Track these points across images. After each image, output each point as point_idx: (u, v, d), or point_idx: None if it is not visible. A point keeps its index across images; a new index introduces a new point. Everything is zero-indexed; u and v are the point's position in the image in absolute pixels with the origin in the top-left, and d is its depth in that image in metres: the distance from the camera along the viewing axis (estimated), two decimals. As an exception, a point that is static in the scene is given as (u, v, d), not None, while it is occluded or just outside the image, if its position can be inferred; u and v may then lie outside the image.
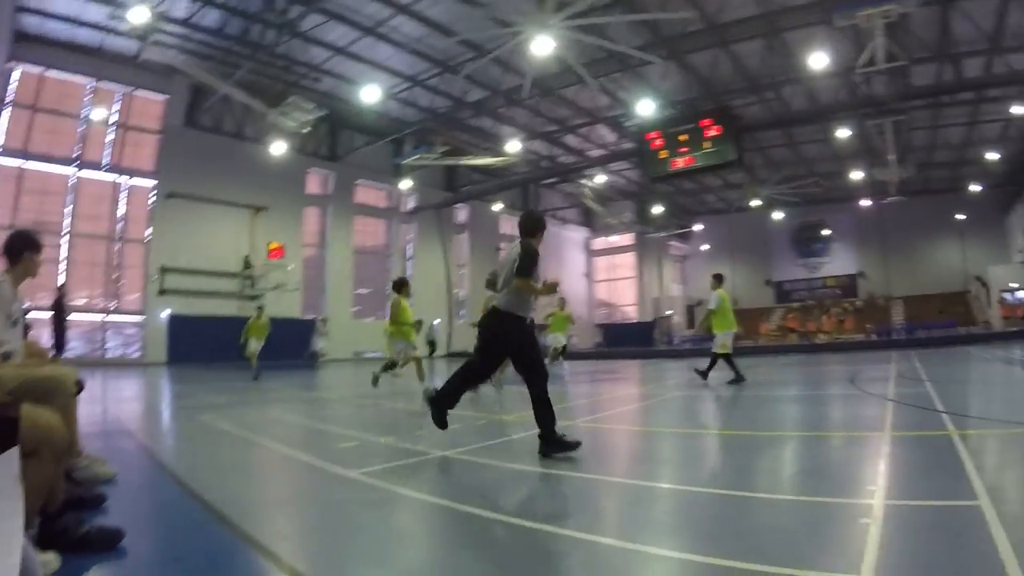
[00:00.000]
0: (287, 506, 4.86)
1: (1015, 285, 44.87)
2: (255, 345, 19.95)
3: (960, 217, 49.86)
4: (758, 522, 3.96)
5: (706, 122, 28.26)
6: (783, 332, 47.29)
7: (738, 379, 13.22)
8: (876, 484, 4.64)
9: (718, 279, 14.24)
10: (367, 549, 3.60)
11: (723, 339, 13.91)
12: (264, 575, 3.29)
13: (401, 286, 13.91)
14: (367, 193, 42.09)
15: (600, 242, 62.20)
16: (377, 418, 10.44)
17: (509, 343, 6.50)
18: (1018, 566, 2.90)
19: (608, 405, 11.71)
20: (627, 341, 48.26)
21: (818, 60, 25.97)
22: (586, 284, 61.08)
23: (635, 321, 57.36)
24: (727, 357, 13.83)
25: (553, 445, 6.09)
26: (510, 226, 51.68)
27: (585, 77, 23.78)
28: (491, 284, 6.77)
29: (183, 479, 5.38)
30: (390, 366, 14.51)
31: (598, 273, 62.97)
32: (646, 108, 29.84)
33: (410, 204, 43.82)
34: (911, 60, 25.97)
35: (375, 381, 13.97)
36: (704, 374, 13.98)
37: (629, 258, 60.24)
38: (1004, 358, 18.33)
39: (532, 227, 6.72)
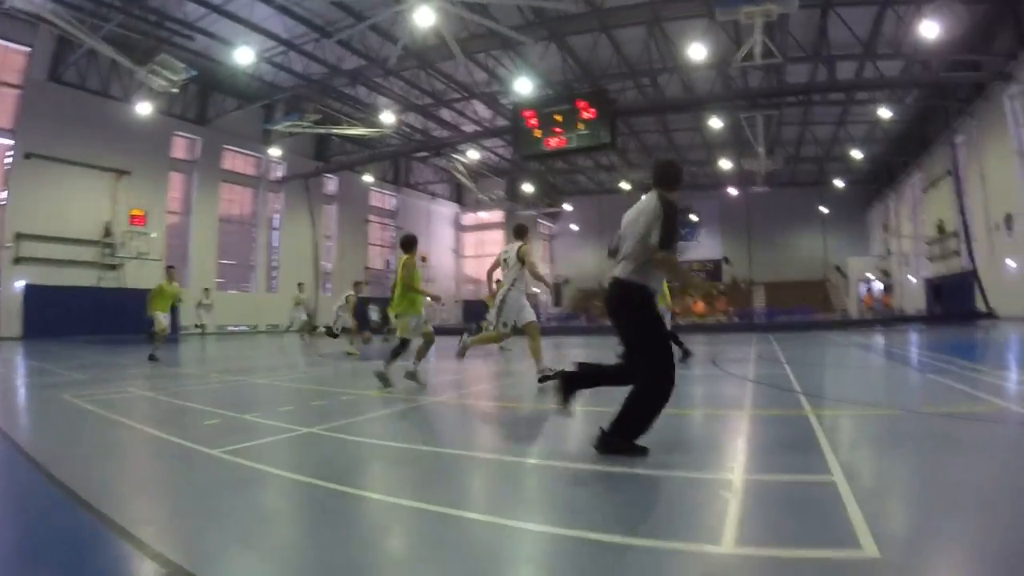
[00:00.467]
0: (151, 488, 4.65)
1: (871, 276, 47.44)
2: (165, 320, 17.33)
3: (823, 210, 52.21)
4: (622, 496, 4.05)
5: (582, 104, 28.17)
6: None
7: (685, 355, 13.35)
8: (736, 460, 4.86)
9: None
10: (233, 530, 3.50)
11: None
12: (129, 562, 3.12)
13: (411, 244, 10.78)
14: (235, 160, 40.38)
15: (470, 218, 62.44)
16: (242, 394, 10.10)
17: (634, 319, 5.04)
18: (870, 536, 3.09)
19: (475, 381, 11.67)
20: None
21: (697, 51, 26.48)
22: (454, 260, 61.23)
23: (502, 299, 57.30)
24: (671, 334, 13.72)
25: (618, 445, 4.92)
26: (380, 198, 51.40)
27: (457, 54, 23.58)
28: (615, 252, 5.40)
29: (41, 462, 5.07)
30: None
31: (467, 249, 63.03)
32: (523, 87, 29.86)
33: (279, 173, 42.57)
34: (787, 59, 26.90)
35: (413, 376, 10.31)
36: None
37: (498, 235, 60.19)
38: (859, 344, 19.21)
39: (673, 179, 5.40)
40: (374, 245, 51.62)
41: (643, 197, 5.24)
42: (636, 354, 4.99)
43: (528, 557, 3.14)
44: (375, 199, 50.85)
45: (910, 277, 44.90)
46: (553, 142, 28.65)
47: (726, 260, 56.87)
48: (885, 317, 37.35)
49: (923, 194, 43.79)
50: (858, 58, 30.40)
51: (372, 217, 50.95)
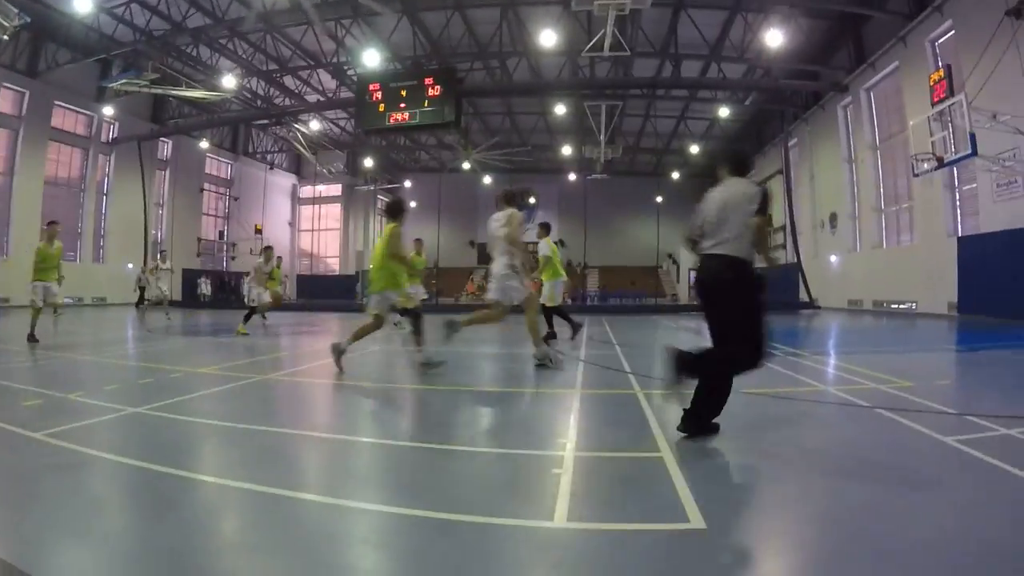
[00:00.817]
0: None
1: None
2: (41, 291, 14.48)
3: (659, 199, 53.81)
4: (457, 474, 4.12)
5: (429, 81, 28.04)
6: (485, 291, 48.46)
7: (575, 328, 13.54)
8: (568, 437, 4.98)
9: (545, 228, 13.90)
10: (59, 518, 3.25)
11: (550, 290, 13.39)
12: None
13: (399, 211, 9.55)
14: (66, 118, 36.76)
15: (308, 190, 59.98)
16: (65, 372, 9.31)
17: (746, 292, 5.06)
18: (697, 509, 3.27)
19: (307, 358, 11.41)
20: (328, 294, 46.58)
21: (548, 38, 26.76)
22: (291, 233, 58.87)
23: (337, 274, 56.29)
24: (557, 310, 13.62)
25: (701, 427, 5.02)
26: (216, 166, 48.76)
27: (313, 18, 23.05)
28: (694, 242, 5.36)
29: None
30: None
31: (303, 222, 60.92)
32: (372, 59, 29.44)
33: (112, 134, 39.33)
34: (635, 53, 27.68)
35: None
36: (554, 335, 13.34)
37: (336, 209, 59.04)
38: (688, 328, 19.87)
39: (750, 166, 5.78)
40: (208, 215, 48.92)
41: (726, 184, 5.34)
42: (738, 325, 5.06)
43: (364, 538, 3.12)
44: (211, 166, 48.17)
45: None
46: (397, 117, 28.29)
47: (561, 243, 57.89)
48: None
49: (756, 190, 46.08)
50: (704, 58, 31.73)
51: (207, 185, 48.16)
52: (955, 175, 23.82)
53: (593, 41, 24.82)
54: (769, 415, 6.15)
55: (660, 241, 56.21)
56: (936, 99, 20.11)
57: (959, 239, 22.71)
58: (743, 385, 7.86)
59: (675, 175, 52.10)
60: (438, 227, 51.34)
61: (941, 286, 16.87)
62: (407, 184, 58.42)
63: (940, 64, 22.71)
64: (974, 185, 22.66)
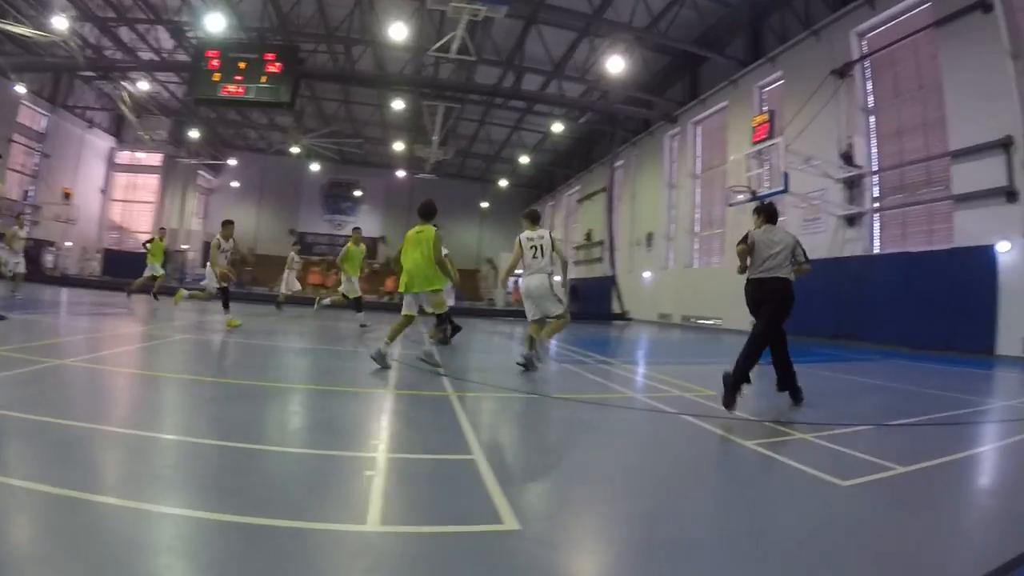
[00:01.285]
0: None
1: (520, 272, 50.19)
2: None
3: (484, 205, 54.29)
4: (267, 476, 3.92)
5: (270, 56, 27.21)
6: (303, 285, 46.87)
7: (455, 331, 14.29)
8: (380, 438, 4.90)
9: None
10: None
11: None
12: None
13: (432, 213, 10.26)
14: None
15: (125, 156, 53.14)
16: None
17: (789, 304, 7.50)
18: (510, 510, 3.30)
19: (105, 344, 10.37)
20: (137, 272, 42.57)
21: (398, 31, 26.45)
22: (101, 201, 51.59)
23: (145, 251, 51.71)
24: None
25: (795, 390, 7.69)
26: (31, 116, 42.84)
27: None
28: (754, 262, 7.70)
29: None
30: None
31: (116, 191, 53.80)
32: (215, 24, 27.52)
33: None
34: (481, 59, 27.83)
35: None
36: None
37: (153, 180, 53.32)
38: (504, 332, 20.65)
39: (776, 217, 8.11)
40: (14, 170, 41.82)
41: (766, 227, 7.82)
42: (779, 324, 7.61)
43: (169, 545, 2.84)
44: (25, 115, 41.78)
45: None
46: (231, 89, 27.21)
47: (383, 239, 57.49)
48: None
49: (578, 204, 47.86)
50: (546, 74, 32.34)
51: (17, 136, 41.49)
52: (766, 209, 25.45)
53: (442, 41, 24.91)
54: (580, 420, 6.34)
55: (482, 246, 56.80)
56: (757, 139, 21.43)
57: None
58: (555, 391, 8.08)
59: (502, 183, 52.99)
60: (258, 211, 49.98)
61: (744, 305, 18.10)
62: (232, 162, 55.31)
63: (765, 108, 24.30)
64: (784, 218, 24.20)
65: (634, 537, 3.22)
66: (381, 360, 8.77)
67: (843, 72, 21.59)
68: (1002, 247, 16.42)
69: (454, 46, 24.26)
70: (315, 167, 52.57)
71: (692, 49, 28.43)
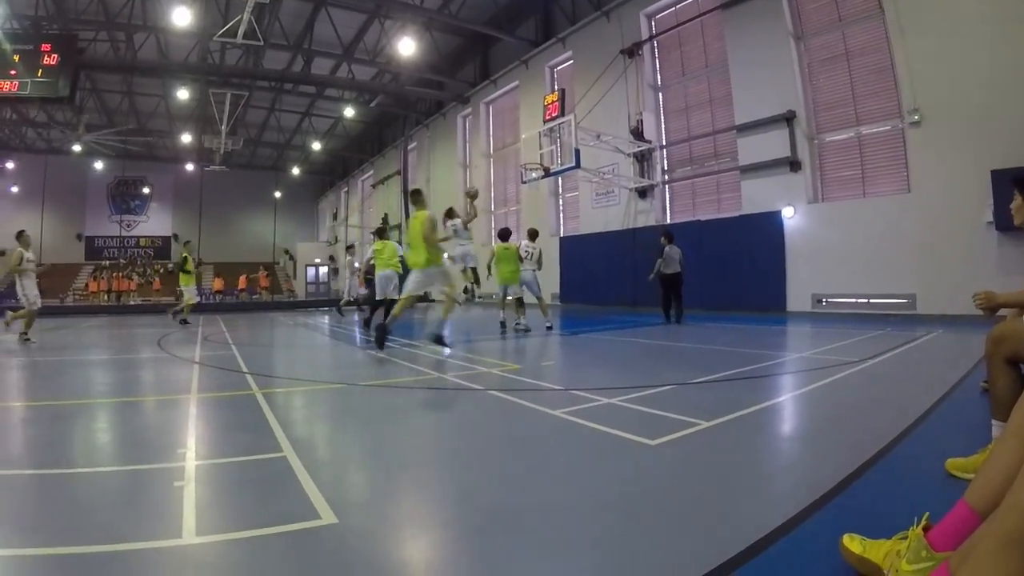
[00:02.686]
0: None
1: (318, 260, 49.75)
2: None
3: (277, 194, 53.10)
4: (74, 500, 3.56)
5: (46, 47, 24.78)
6: (95, 292, 44.60)
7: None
8: (187, 446, 4.63)
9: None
10: None
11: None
12: None
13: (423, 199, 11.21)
14: None
15: None
16: None
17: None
18: (327, 504, 3.24)
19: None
20: None
21: (182, 16, 25.24)
22: None
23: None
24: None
25: None
26: None
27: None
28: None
29: None
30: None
31: None
32: None
33: None
34: (268, 44, 27.01)
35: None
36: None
37: None
38: (305, 324, 20.12)
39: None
40: None
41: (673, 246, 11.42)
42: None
43: None
44: None
45: (356, 264, 47.83)
46: (7, 86, 25.08)
47: (175, 237, 55.25)
48: (330, 298, 38.76)
49: (373, 189, 47.56)
50: (337, 57, 31.90)
51: None
52: (560, 184, 26.32)
53: (228, 26, 24.04)
54: (391, 405, 6.34)
55: (277, 237, 55.58)
56: (548, 117, 21.84)
57: (561, 238, 25.26)
58: (362, 377, 8.01)
59: (295, 171, 51.92)
60: (41, 217, 46.79)
61: (545, 279, 18.73)
62: (9, 165, 50.87)
63: (556, 87, 24.92)
64: (576, 193, 25.23)
65: (451, 516, 3.23)
66: (440, 341, 9.97)
67: (632, 51, 22.54)
68: (787, 212, 17.68)
69: (240, 30, 23.51)
70: (99, 165, 49.42)
71: (483, 30, 28.74)
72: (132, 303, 39.79)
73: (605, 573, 2.51)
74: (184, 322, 19.87)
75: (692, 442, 4.48)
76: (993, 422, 3.66)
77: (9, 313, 14.84)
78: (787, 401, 6.14)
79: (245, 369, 8.85)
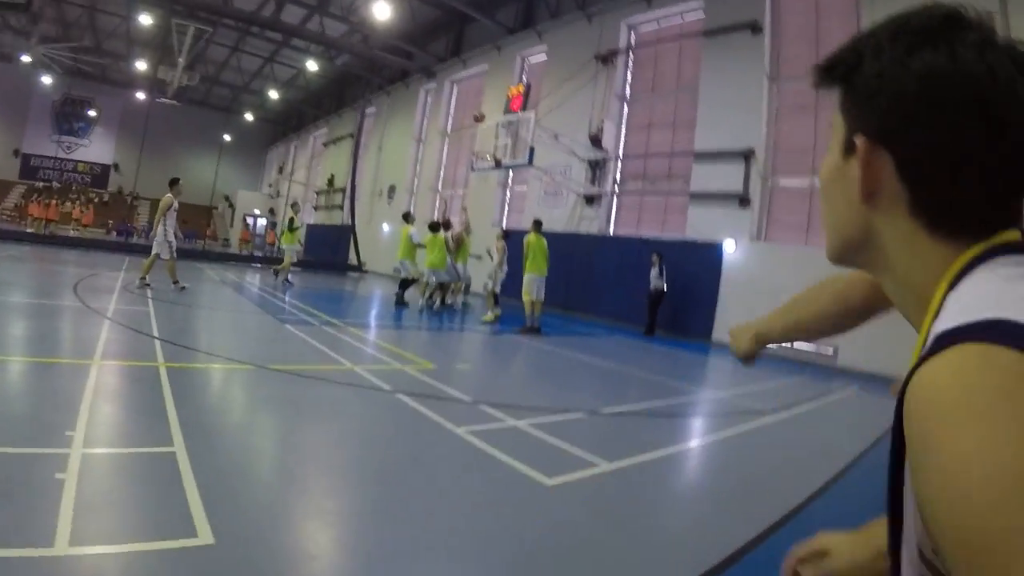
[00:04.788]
0: None
1: (257, 212, 48.93)
2: None
3: (226, 138, 52.02)
4: None
5: None
6: (22, 215, 42.12)
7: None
8: (76, 428, 4.25)
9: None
10: None
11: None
12: None
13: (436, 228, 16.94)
14: None
15: None
16: None
17: None
18: (206, 520, 3.11)
19: None
20: None
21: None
22: None
23: None
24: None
25: None
26: None
27: None
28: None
29: None
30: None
31: None
32: None
33: None
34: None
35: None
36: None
37: None
38: (233, 282, 19.42)
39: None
40: None
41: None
42: None
43: None
44: None
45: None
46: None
47: (116, 167, 53.74)
48: (265, 255, 37.66)
49: (324, 148, 46.93)
50: (310, 8, 31.14)
51: None
52: (510, 177, 26.21)
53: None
54: (295, 399, 6.12)
55: (219, 181, 54.55)
56: (512, 108, 21.65)
57: (503, 230, 25.37)
58: (274, 358, 7.78)
59: (248, 116, 50.67)
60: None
61: (477, 270, 18.92)
62: None
63: (525, 80, 24.74)
64: (525, 188, 25.16)
65: (335, 546, 3.19)
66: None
67: (607, 58, 22.48)
68: (728, 246, 17.84)
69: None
70: (48, 80, 47.11)
71: (462, 7, 28.24)
72: (72, 234, 36.77)
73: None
74: (287, 282, 19.82)
75: (586, 487, 4.46)
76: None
77: None
78: (696, 449, 6.17)
79: (156, 333, 8.40)
